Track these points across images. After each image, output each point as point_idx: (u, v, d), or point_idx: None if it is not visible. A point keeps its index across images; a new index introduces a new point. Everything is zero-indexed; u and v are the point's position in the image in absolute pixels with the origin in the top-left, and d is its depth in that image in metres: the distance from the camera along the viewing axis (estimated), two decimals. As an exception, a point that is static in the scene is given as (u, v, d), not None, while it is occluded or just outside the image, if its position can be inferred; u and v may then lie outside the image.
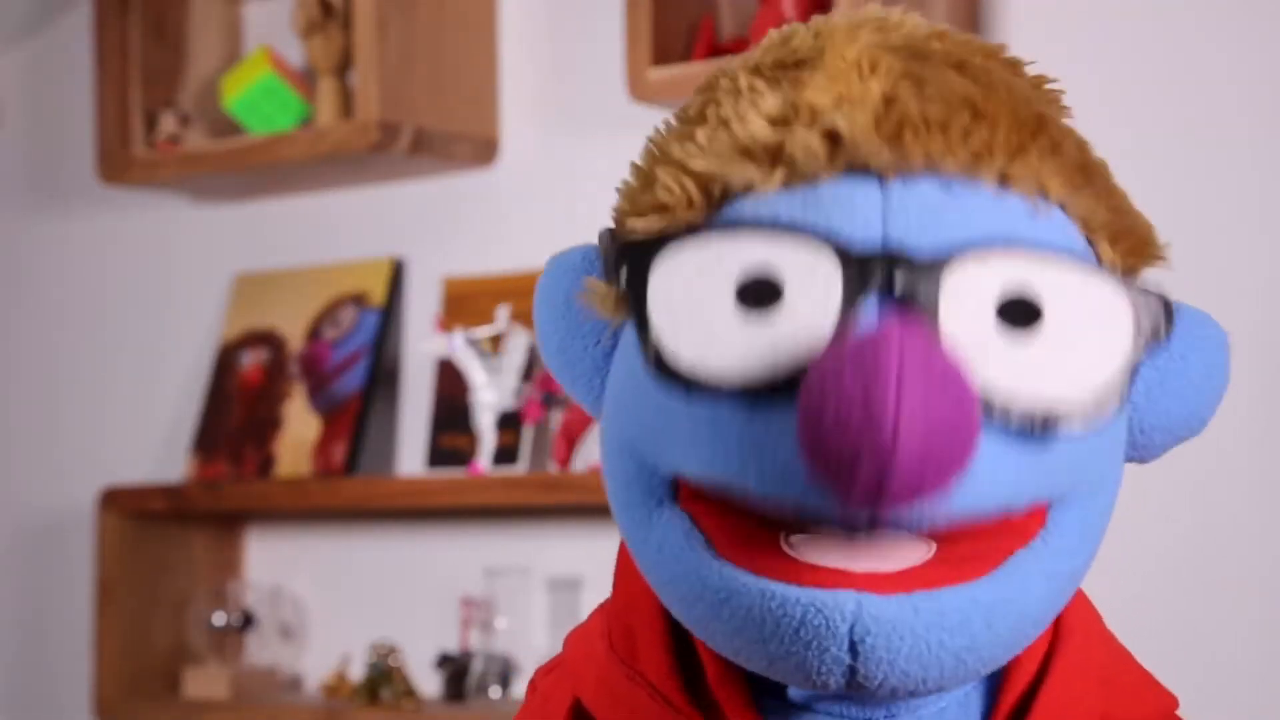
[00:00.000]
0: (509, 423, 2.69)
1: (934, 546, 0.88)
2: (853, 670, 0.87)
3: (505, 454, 2.69)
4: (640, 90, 2.48)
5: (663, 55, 2.49)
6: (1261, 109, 2.28)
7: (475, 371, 2.68)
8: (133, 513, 2.96)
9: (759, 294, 0.88)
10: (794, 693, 0.94)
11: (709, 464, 0.89)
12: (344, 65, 2.87)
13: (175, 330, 3.15)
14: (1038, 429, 0.87)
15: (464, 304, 2.81)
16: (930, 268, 0.87)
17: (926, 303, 0.86)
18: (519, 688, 2.70)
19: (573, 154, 2.75)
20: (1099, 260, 0.93)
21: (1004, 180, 0.90)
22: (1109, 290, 0.90)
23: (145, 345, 3.18)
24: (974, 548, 0.89)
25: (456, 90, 2.79)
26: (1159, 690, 1.02)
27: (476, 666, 2.72)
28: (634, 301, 0.90)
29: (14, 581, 3.31)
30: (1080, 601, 0.99)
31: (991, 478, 0.87)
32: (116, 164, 2.98)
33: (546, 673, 1.04)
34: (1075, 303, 0.88)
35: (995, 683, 0.96)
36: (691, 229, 0.91)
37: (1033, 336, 0.87)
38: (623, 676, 0.97)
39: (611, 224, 0.96)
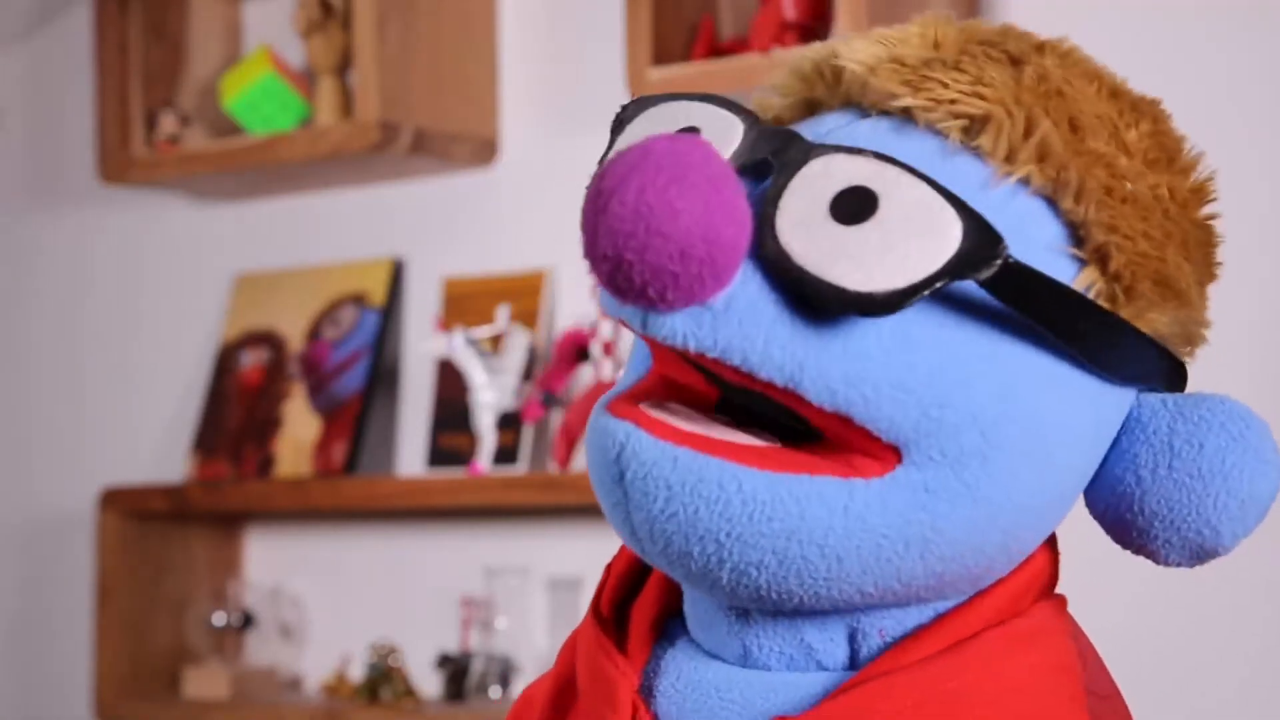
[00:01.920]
0: (509, 423, 2.69)
1: (775, 444, 0.89)
2: (629, 514, 0.89)
3: (505, 454, 2.69)
4: (640, 90, 2.48)
5: (663, 55, 2.49)
6: (1262, 109, 2.28)
7: (475, 371, 2.68)
8: (133, 513, 2.96)
9: None
10: (693, 631, 0.97)
11: None
12: (344, 65, 2.87)
13: (175, 330, 3.15)
14: (816, 298, 0.86)
15: (464, 304, 2.81)
16: (808, 148, 0.89)
17: (785, 172, 0.88)
18: (519, 688, 2.70)
19: (573, 154, 2.75)
20: (1078, 272, 0.90)
21: (973, 148, 0.91)
22: (948, 215, 0.86)
23: (145, 345, 3.18)
24: (799, 457, 0.89)
25: (456, 90, 2.79)
26: None
27: (476, 666, 2.72)
28: (611, 136, 0.96)
29: (14, 581, 3.31)
30: (1038, 647, 0.92)
31: (769, 332, 0.86)
32: (116, 164, 2.98)
33: None
34: (909, 213, 0.86)
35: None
36: None
37: (854, 228, 0.86)
38: (596, 596, 1.02)
39: None
